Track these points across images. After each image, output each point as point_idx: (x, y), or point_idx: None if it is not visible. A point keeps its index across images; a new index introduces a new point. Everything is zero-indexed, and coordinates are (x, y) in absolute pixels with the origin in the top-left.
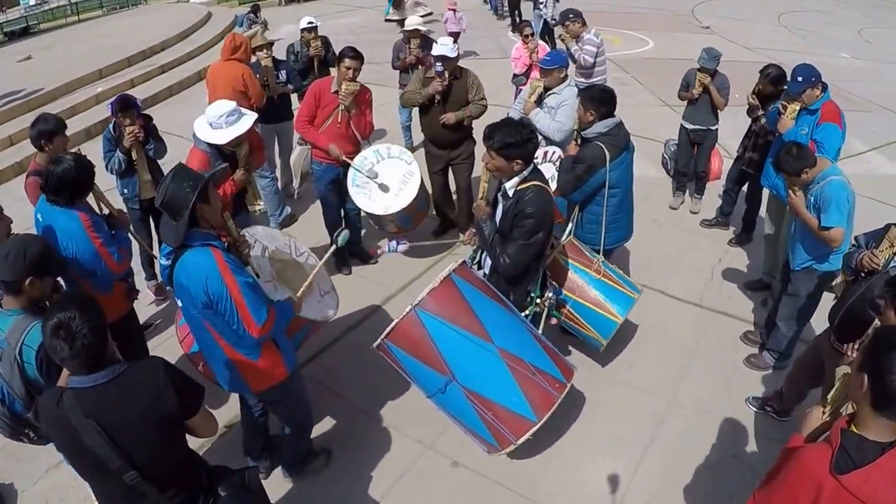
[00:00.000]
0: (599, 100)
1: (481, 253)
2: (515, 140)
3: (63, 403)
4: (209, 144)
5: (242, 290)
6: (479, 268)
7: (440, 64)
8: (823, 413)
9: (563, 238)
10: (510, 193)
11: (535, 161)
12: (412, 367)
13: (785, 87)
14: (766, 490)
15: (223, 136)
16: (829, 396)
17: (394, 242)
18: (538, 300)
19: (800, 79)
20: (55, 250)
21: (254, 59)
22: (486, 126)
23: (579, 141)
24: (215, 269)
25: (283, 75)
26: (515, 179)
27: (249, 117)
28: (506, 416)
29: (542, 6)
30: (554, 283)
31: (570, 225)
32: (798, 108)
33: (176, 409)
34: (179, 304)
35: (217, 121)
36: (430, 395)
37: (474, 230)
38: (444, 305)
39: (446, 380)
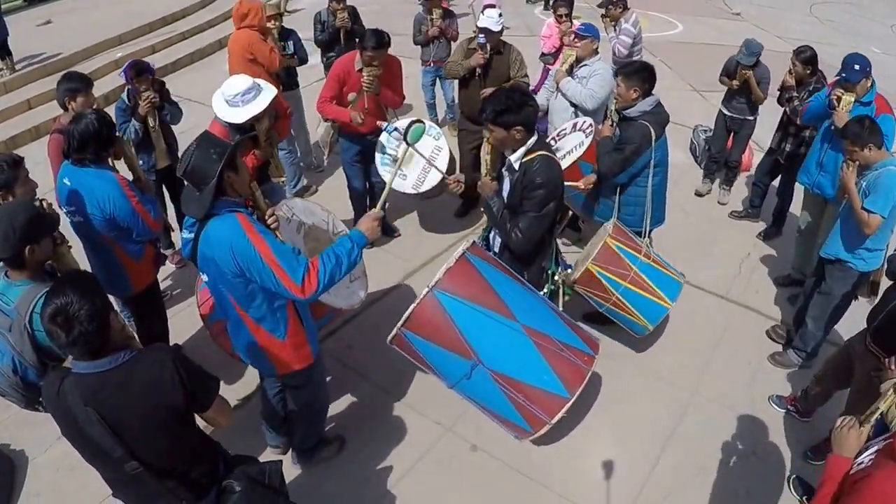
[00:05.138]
0: (642, 75)
1: (490, 232)
2: (508, 105)
3: (63, 389)
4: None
5: (272, 247)
6: (489, 248)
7: (482, 36)
8: (861, 428)
9: (610, 222)
10: (516, 166)
11: (563, 131)
12: (434, 356)
13: (819, 70)
14: None
15: (240, 116)
16: (876, 408)
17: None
18: (555, 277)
19: (857, 67)
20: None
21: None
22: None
23: (614, 121)
24: (240, 231)
25: (290, 46)
26: (520, 151)
27: (268, 93)
28: (537, 395)
29: None
30: (563, 258)
31: (613, 209)
32: (852, 99)
33: (182, 404)
34: (204, 278)
35: (233, 99)
36: (453, 385)
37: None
38: (463, 284)
39: (472, 364)
